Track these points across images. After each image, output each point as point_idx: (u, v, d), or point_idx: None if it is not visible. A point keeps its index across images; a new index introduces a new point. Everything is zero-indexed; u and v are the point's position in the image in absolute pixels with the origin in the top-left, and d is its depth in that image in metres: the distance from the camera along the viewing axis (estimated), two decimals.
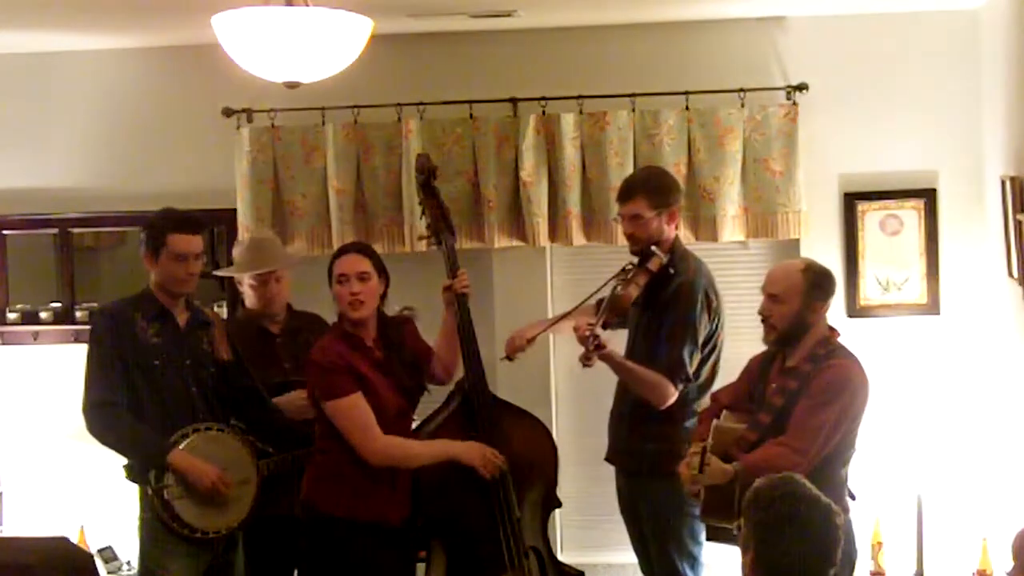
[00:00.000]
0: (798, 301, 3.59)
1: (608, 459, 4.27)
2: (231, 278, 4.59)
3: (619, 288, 3.93)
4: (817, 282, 3.62)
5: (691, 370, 3.98)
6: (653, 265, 3.98)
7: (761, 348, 3.84)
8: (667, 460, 3.83)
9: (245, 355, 4.11)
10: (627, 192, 4.07)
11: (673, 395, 3.97)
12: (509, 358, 4.12)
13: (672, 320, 3.97)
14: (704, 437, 3.66)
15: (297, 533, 3.93)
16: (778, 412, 3.55)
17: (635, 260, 4.05)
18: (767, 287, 3.70)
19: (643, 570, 4.31)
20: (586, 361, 3.82)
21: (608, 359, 3.93)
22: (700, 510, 3.62)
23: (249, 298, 4.33)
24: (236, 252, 4.44)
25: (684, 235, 4.76)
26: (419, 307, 4.34)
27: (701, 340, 4.00)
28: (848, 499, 3.62)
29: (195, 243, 3.85)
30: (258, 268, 4.27)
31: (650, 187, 4.05)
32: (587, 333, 3.78)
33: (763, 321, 3.68)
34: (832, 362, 3.55)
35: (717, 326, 4.07)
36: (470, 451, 3.83)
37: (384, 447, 3.72)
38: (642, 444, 4.06)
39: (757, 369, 3.80)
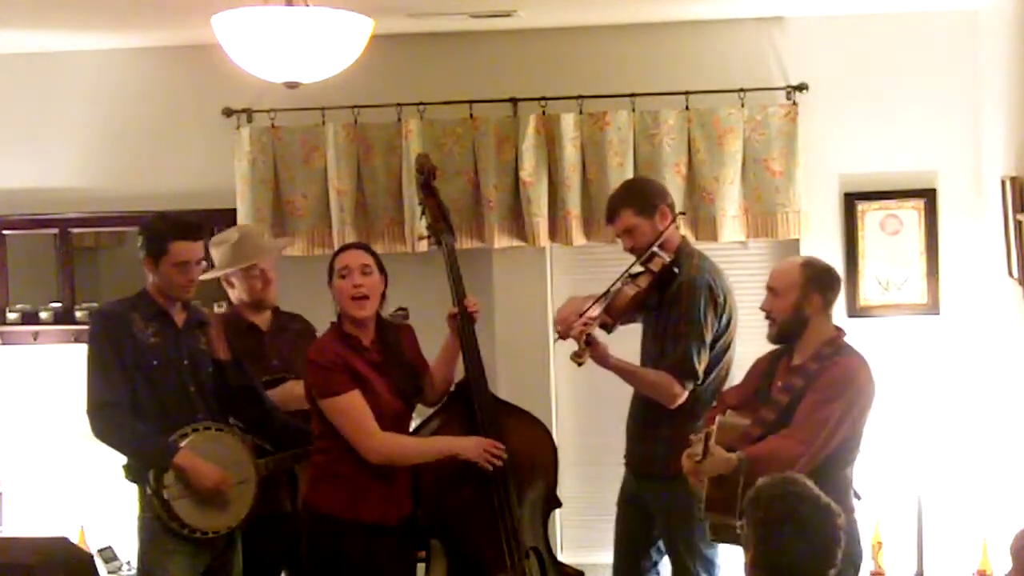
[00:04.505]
0: (795, 294, 3.64)
1: (627, 464, 4.25)
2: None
3: (619, 288, 3.94)
4: (814, 276, 3.66)
5: (700, 368, 3.94)
6: (655, 265, 3.98)
7: (762, 348, 3.84)
8: (679, 462, 3.76)
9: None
10: (612, 211, 4.10)
11: (682, 394, 3.94)
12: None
13: (676, 318, 3.95)
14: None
15: (287, 530, 3.95)
16: (783, 409, 3.56)
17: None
18: (768, 281, 3.76)
19: (615, 566, 4.29)
20: (577, 359, 3.84)
21: (603, 361, 3.93)
22: (703, 506, 3.58)
23: (238, 291, 4.24)
24: (216, 252, 4.29)
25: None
26: (419, 306, 4.34)
27: (709, 339, 3.96)
28: (854, 499, 3.63)
29: (197, 250, 3.83)
30: (241, 263, 4.19)
31: (630, 197, 4.08)
32: (579, 330, 3.80)
33: (766, 317, 3.73)
34: (838, 359, 3.58)
35: (727, 326, 4.03)
36: (469, 445, 3.82)
37: (382, 444, 3.70)
38: (654, 446, 4.05)
39: (765, 367, 3.80)
